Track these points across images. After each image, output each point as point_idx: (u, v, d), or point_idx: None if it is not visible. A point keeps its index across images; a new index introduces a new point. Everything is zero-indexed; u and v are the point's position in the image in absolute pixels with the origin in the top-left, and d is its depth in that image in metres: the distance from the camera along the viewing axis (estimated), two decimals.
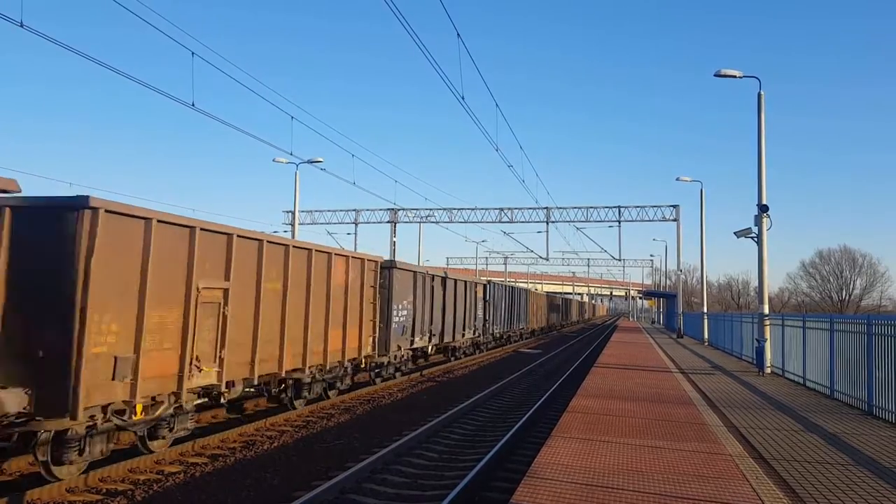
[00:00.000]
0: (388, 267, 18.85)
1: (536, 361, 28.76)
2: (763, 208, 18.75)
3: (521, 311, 41.08)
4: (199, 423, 12.79)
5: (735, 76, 19.73)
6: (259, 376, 11.67)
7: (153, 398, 9.33)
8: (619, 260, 48.94)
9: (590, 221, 43.78)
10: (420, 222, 47.52)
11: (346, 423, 13.45)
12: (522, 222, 44.84)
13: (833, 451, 8.38)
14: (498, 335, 35.26)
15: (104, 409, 8.41)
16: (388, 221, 46.86)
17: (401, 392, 18.27)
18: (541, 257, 53.92)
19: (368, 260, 16.90)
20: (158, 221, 9.07)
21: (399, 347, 19.67)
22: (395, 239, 46.95)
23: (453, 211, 45.80)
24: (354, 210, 47.95)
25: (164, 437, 10.22)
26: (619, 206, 43.04)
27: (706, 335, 33.96)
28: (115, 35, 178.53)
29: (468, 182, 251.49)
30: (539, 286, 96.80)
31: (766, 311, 18.93)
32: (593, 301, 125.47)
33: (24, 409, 7.61)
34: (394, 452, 10.42)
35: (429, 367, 23.89)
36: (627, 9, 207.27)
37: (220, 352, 10.51)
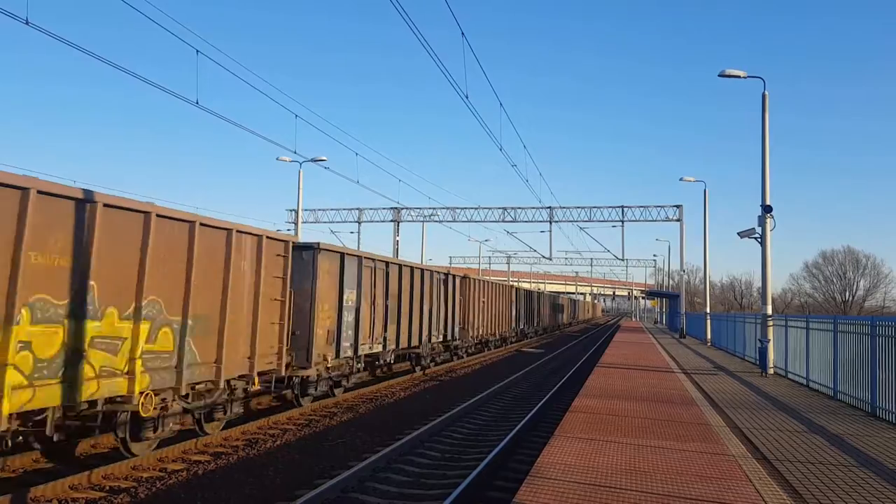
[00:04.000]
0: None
1: (539, 361, 28.78)
2: (767, 209, 18.70)
3: None
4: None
5: (739, 76, 19.69)
6: None
7: None
8: (622, 260, 48.94)
9: (593, 221, 43.85)
10: (423, 221, 47.59)
11: (349, 421, 13.46)
12: (526, 222, 44.89)
13: (836, 453, 8.36)
14: None
15: None
16: (392, 220, 46.88)
17: (403, 391, 18.29)
18: (544, 257, 53.89)
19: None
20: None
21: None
22: (398, 238, 47.00)
23: (457, 210, 45.86)
24: (358, 209, 48.01)
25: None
26: (622, 206, 43.05)
27: (709, 335, 33.91)
28: (120, 33, 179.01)
29: (472, 181, 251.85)
30: (542, 285, 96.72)
31: (770, 311, 18.88)
32: (585, 299, 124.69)
33: None
34: (396, 451, 10.43)
35: (431, 366, 23.92)
36: (631, 8, 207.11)
37: None
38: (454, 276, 24.94)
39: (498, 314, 33.06)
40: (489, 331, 31.17)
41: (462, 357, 27.41)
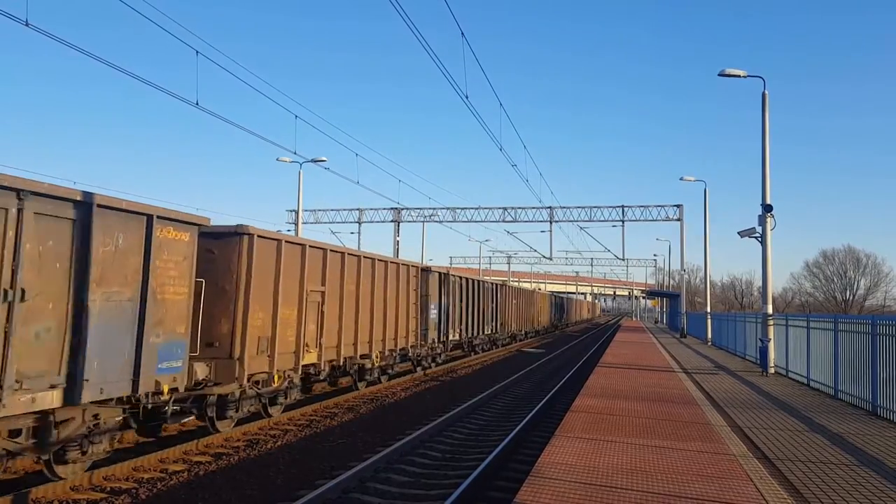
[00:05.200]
0: None
1: (539, 361, 28.79)
2: (767, 208, 18.70)
3: None
4: (202, 420, 12.84)
5: (739, 76, 19.68)
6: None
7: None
8: (623, 259, 48.96)
9: (593, 221, 43.86)
10: (423, 222, 47.58)
11: (350, 422, 13.46)
12: (526, 222, 44.90)
13: (837, 452, 8.36)
14: None
15: None
16: (392, 221, 46.89)
17: (404, 391, 18.29)
18: (544, 257, 53.92)
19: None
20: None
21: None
22: (398, 238, 47.00)
23: (457, 210, 45.86)
24: (358, 209, 48.01)
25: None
26: (622, 206, 43.08)
27: (709, 335, 33.90)
28: (120, 34, 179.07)
29: (472, 181, 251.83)
30: (542, 286, 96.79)
31: (770, 310, 18.88)
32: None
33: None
34: (397, 451, 10.43)
35: (431, 366, 23.90)
36: (631, 8, 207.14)
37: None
38: (149, 219, 9.19)
39: (377, 316, 17.38)
40: (346, 350, 15.53)
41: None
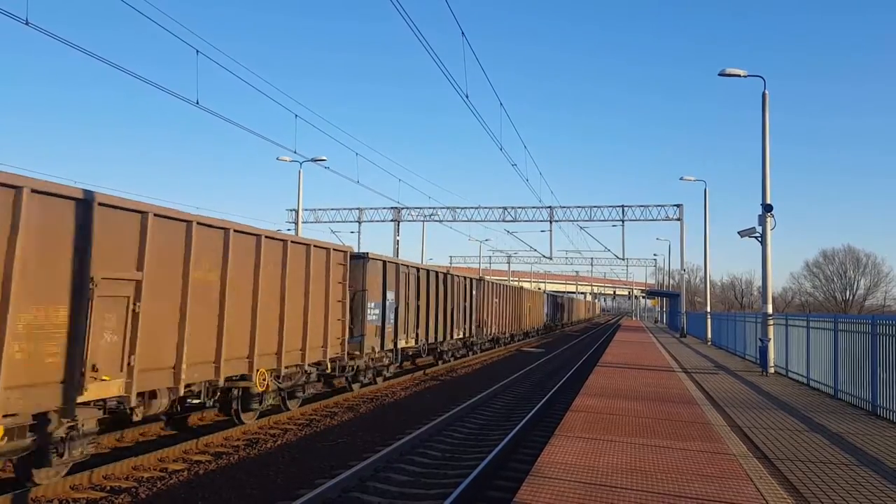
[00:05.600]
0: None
1: (539, 361, 28.80)
2: (767, 208, 18.70)
3: None
4: (202, 420, 12.80)
5: (739, 75, 19.67)
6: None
7: None
8: (623, 259, 48.95)
9: (593, 220, 43.80)
10: (423, 221, 47.54)
11: (350, 421, 13.47)
12: (526, 221, 44.83)
13: (837, 451, 8.36)
14: None
15: None
16: (392, 220, 46.88)
17: (404, 391, 18.29)
18: (544, 256, 53.88)
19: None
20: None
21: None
22: (398, 237, 46.98)
23: (457, 210, 45.82)
24: (358, 209, 47.99)
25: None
26: (622, 206, 43.05)
27: (709, 335, 33.91)
28: (120, 33, 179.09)
29: (472, 181, 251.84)
30: (542, 285, 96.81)
31: (770, 310, 18.88)
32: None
33: None
34: (397, 451, 10.43)
35: (431, 366, 23.92)
36: (631, 8, 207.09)
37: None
38: None
39: (263, 318, 11.86)
40: (194, 372, 10.19)
41: None
